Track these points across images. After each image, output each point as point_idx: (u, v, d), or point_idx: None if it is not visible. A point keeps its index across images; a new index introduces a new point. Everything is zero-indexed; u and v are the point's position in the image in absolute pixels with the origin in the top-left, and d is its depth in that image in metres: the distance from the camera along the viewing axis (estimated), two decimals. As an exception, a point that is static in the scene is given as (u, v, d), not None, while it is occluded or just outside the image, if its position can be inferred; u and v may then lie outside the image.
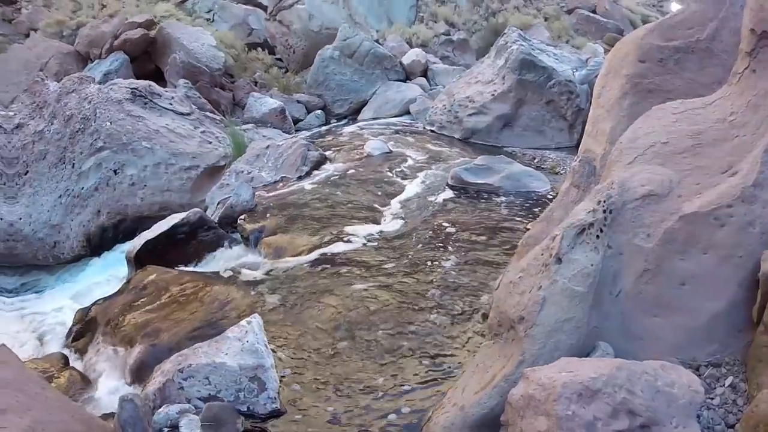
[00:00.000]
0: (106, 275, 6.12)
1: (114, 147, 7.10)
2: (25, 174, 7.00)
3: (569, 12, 18.80)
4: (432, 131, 10.34)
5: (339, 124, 12.35)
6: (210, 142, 7.86)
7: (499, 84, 10.12)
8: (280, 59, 14.69)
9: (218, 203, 6.80)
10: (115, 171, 7.09)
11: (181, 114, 7.90)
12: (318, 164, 7.68)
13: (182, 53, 11.88)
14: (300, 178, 7.26)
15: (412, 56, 14.16)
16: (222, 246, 5.66)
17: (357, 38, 13.35)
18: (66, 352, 4.43)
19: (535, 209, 6.05)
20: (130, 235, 6.57)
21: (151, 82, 8.13)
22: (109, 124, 7.13)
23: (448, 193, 6.63)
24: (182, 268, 5.27)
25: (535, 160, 8.77)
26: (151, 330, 3.99)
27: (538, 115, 10.07)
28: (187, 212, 5.70)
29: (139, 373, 3.68)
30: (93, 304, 4.86)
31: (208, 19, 15.07)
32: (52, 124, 7.16)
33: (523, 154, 9.21)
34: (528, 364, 2.42)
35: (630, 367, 2.07)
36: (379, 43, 14.29)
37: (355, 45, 13.26)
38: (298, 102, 12.93)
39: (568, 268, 2.50)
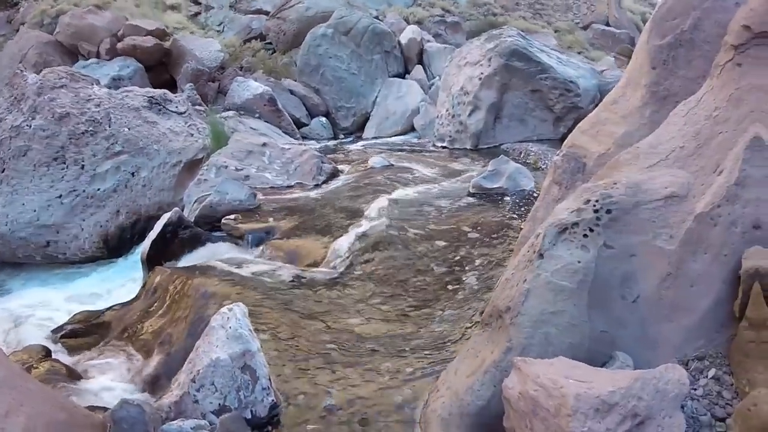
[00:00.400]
0: (123, 278, 6.17)
1: (132, 151, 7.27)
2: (1, 171, 6.90)
3: (585, 28, 18.67)
4: (443, 147, 10.19)
5: (346, 141, 12.20)
6: (192, 135, 7.83)
7: (485, 65, 9.93)
8: (269, 43, 14.49)
9: (195, 201, 6.67)
10: (132, 173, 7.25)
11: (180, 113, 8.02)
12: (332, 176, 7.86)
13: (193, 62, 12.12)
14: (317, 185, 7.40)
15: (408, 34, 14.00)
16: (199, 244, 5.69)
17: (354, 16, 12.78)
18: (50, 345, 4.43)
19: (527, 207, 6.02)
20: (142, 236, 6.61)
21: (166, 91, 8.31)
22: (127, 129, 7.30)
23: (467, 200, 6.63)
24: (172, 266, 5.30)
25: (521, 155, 8.80)
26: (165, 337, 4.03)
27: (520, 102, 9.92)
28: (170, 212, 5.77)
29: (155, 383, 3.72)
30: (108, 309, 4.93)
31: (218, 31, 15.27)
32: (33, 119, 7.03)
33: (513, 149, 9.24)
34: (517, 352, 2.45)
35: (644, 376, 2.09)
36: (379, 20, 14.02)
37: (352, 22, 12.67)
38: (292, 93, 12.22)
39: (549, 263, 2.55)
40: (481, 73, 9.96)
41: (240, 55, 13.69)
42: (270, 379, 3.03)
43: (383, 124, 12.32)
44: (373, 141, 11.64)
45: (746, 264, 2.46)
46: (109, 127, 7.22)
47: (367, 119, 12.69)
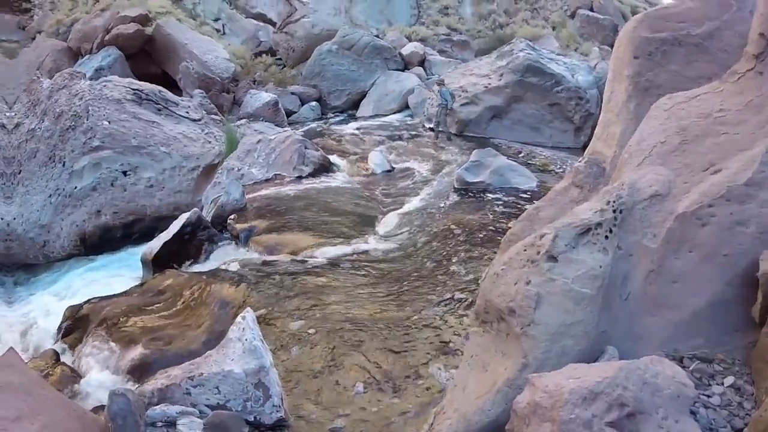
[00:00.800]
0: (103, 274, 6.13)
1: (118, 148, 7.10)
2: (19, 173, 6.94)
3: (572, 15, 18.89)
4: (430, 129, 10.42)
5: (336, 119, 12.32)
6: (210, 142, 7.86)
7: (495, 79, 10.19)
8: (279, 59, 14.86)
9: (211, 202, 6.75)
10: (124, 172, 7.10)
11: (194, 120, 7.96)
12: (321, 166, 7.55)
13: (195, 63, 12.12)
14: (300, 178, 7.21)
15: (410, 48, 14.33)
16: (214, 245, 5.68)
17: (356, 34, 13.33)
18: (57, 347, 4.42)
19: (518, 207, 6.05)
20: (146, 236, 6.60)
21: (162, 88, 8.17)
22: (107, 123, 7.10)
23: (452, 197, 6.65)
24: (184, 269, 5.28)
25: (522, 155, 8.78)
26: (163, 335, 4.00)
27: (536, 114, 10.18)
28: (189, 212, 5.72)
29: (137, 371, 3.69)
30: (86, 302, 4.85)
31: (217, 30, 15.24)
32: (42, 121, 7.09)
33: (509, 146, 9.27)
34: (533, 368, 2.38)
35: (629, 366, 2.08)
36: (379, 38, 14.27)
37: (355, 39, 13.23)
38: (293, 94, 12.90)
39: (569, 268, 2.44)
40: (488, 83, 10.21)
41: (253, 69, 13.98)
42: (282, 398, 3.01)
43: (381, 101, 12.61)
44: (369, 122, 11.73)
45: (765, 266, 2.37)
46: (87, 120, 7.08)
47: (361, 97, 12.98)
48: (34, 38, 14.42)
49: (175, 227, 5.52)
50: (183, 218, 5.58)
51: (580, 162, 3.74)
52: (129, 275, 5.66)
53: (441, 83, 10.38)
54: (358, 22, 15.33)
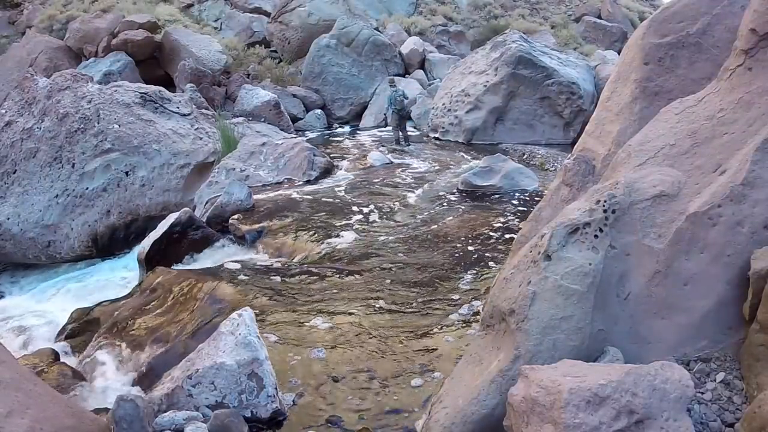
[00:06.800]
0: (107, 276, 6.19)
1: (124, 149, 7.15)
2: (14, 173, 6.94)
3: (577, 20, 18.89)
4: (437, 138, 10.41)
5: (341, 131, 12.49)
6: (201, 138, 7.83)
7: (492, 75, 10.15)
8: (274, 51, 14.78)
9: (206, 202, 6.71)
10: (126, 173, 7.14)
11: (184, 115, 7.96)
12: (326, 171, 7.80)
13: (191, 60, 12.18)
14: (308, 182, 7.40)
15: (410, 45, 14.25)
16: (210, 245, 5.68)
17: (355, 26, 13.18)
18: (57, 348, 4.43)
19: (527, 207, 6.13)
20: (140, 236, 6.62)
21: (161, 88, 8.21)
22: (117, 126, 7.17)
23: (457, 197, 6.77)
24: (179, 267, 5.28)
25: (525, 156, 8.84)
26: (161, 335, 4.01)
27: (529, 109, 10.15)
28: (179, 212, 5.72)
29: (145, 376, 3.70)
30: (97, 305, 4.88)
31: (215, 28, 15.40)
32: (42, 121, 7.09)
33: (515, 149, 9.28)
34: (525, 360, 2.40)
35: (637, 371, 2.08)
36: (379, 31, 14.25)
37: (354, 33, 13.09)
38: (294, 96, 12.82)
39: (559, 266, 2.47)
40: (487, 81, 10.17)
41: (245, 60, 13.86)
42: (276, 389, 3.02)
43: (382, 113, 12.54)
44: (371, 133, 11.80)
45: (756, 264, 2.38)
46: (98, 123, 7.13)
47: (364, 109, 12.99)
48: (23, 33, 14.35)
49: (163, 227, 5.54)
50: (172, 218, 5.60)
51: (569, 159, 3.74)
52: (132, 276, 5.68)
53: (391, 83, 10.12)
54: (357, 11, 15.30)
